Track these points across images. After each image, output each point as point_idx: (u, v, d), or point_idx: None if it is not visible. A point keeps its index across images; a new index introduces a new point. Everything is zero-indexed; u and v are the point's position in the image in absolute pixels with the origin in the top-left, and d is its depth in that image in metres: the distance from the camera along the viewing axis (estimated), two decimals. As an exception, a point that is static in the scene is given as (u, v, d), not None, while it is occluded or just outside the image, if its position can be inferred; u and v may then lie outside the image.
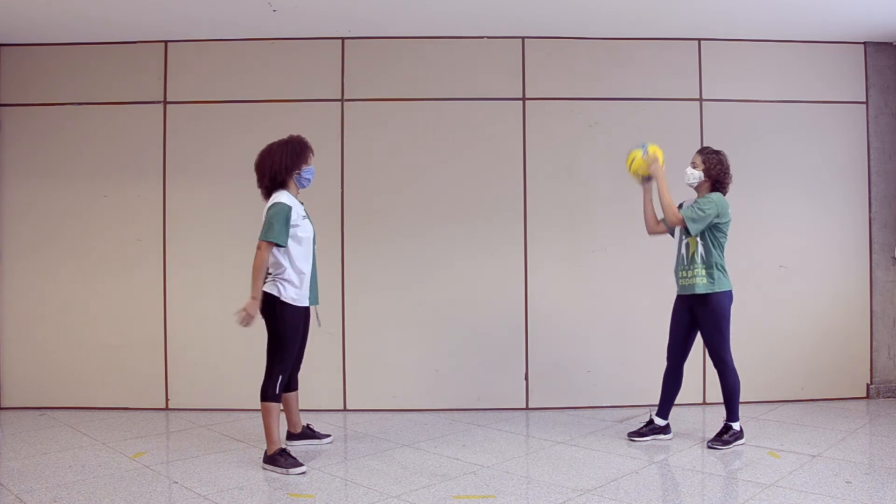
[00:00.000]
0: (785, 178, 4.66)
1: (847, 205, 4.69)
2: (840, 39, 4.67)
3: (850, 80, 4.71)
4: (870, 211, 4.70)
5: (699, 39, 4.66)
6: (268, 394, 3.31)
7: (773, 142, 4.66)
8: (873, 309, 4.68)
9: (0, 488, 3.02)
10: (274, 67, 4.60)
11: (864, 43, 4.71)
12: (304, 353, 3.62)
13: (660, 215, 3.76)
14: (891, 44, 4.73)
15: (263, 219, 3.32)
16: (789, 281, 4.63)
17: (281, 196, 3.32)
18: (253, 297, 3.28)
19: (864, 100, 4.71)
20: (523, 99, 4.62)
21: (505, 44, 4.63)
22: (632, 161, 3.67)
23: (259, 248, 3.28)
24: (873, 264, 4.69)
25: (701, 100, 4.65)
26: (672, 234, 3.83)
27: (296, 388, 3.67)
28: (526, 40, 4.63)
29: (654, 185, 3.73)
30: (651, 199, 3.79)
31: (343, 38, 4.60)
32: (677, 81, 4.64)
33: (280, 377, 3.33)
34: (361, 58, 4.60)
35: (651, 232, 3.85)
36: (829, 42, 4.69)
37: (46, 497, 2.91)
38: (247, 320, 3.27)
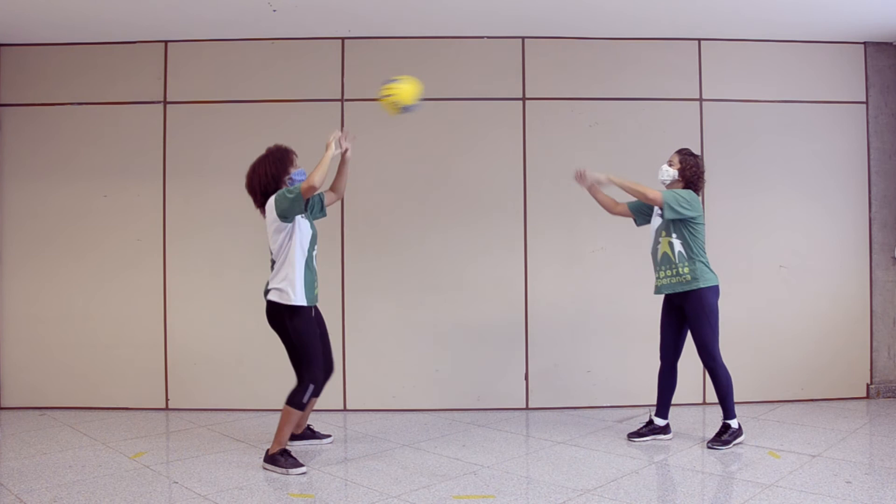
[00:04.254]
0: (785, 178, 4.66)
1: (847, 205, 4.69)
2: (840, 39, 4.67)
3: (850, 80, 4.71)
4: (870, 211, 4.70)
5: (699, 39, 4.66)
6: (295, 400, 3.30)
7: (773, 142, 4.66)
8: (873, 309, 4.68)
9: (0, 488, 3.02)
10: (274, 67, 4.60)
11: (864, 43, 4.71)
12: (332, 358, 3.61)
13: (620, 199, 3.85)
14: (891, 44, 4.73)
15: (273, 207, 3.27)
16: (789, 281, 4.63)
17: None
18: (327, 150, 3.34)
19: (864, 100, 4.71)
20: (523, 99, 4.62)
21: (505, 44, 4.63)
22: (394, 95, 3.31)
23: (306, 187, 3.19)
24: (873, 264, 4.69)
25: (701, 100, 4.65)
26: (636, 223, 3.88)
27: (317, 396, 3.62)
28: (526, 40, 4.63)
29: (591, 183, 3.77)
30: (597, 189, 3.82)
31: (343, 38, 4.61)
32: (677, 81, 4.64)
33: (312, 386, 3.31)
34: (361, 58, 4.61)
35: (613, 213, 3.90)
36: (829, 42, 4.69)
37: (46, 497, 2.91)
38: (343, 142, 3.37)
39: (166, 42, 4.60)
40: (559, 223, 4.59)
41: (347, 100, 4.59)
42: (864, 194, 4.70)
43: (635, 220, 3.90)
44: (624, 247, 4.55)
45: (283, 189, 3.29)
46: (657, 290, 3.72)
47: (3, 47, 4.61)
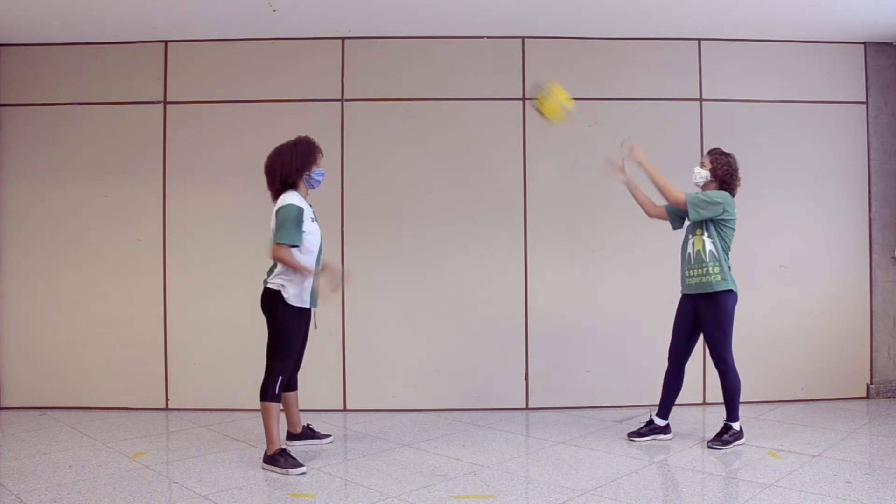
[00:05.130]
0: (785, 178, 4.66)
1: (847, 205, 4.69)
2: (840, 39, 4.67)
3: (850, 80, 4.71)
4: (870, 211, 4.70)
5: (699, 39, 4.66)
6: (267, 394, 3.31)
7: (773, 142, 4.66)
8: (873, 309, 4.68)
9: (0, 488, 3.02)
10: (274, 67, 4.60)
11: (864, 43, 4.71)
12: (303, 353, 3.62)
13: (659, 201, 3.81)
14: (891, 44, 4.73)
15: (274, 221, 3.30)
16: (789, 281, 4.63)
17: (291, 197, 3.31)
18: (323, 271, 3.45)
19: (864, 100, 4.71)
20: (523, 99, 4.61)
21: (505, 44, 4.63)
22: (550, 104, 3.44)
23: (277, 252, 3.25)
24: (873, 264, 4.69)
25: (701, 100, 4.65)
26: (673, 226, 3.84)
27: (295, 388, 3.67)
28: (526, 40, 4.63)
29: (630, 177, 3.80)
30: (636, 187, 3.83)
31: (343, 38, 4.60)
32: (677, 81, 4.64)
33: (280, 377, 3.33)
34: (361, 58, 4.61)
35: (651, 216, 3.88)
36: (829, 42, 4.69)
37: (46, 497, 2.90)
38: (336, 284, 3.51)
39: (166, 42, 4.60)
40: (559, 223, 4.59)
41: (347, 100, 4.59)
42: (864, 194, 4.70)
43: (671, 224, 3.86)
44: (624, 247, 4.56)
45: (291, 217, 3.25)
46: (686, 289, 3.70)
47: (3, 47, 4.60)
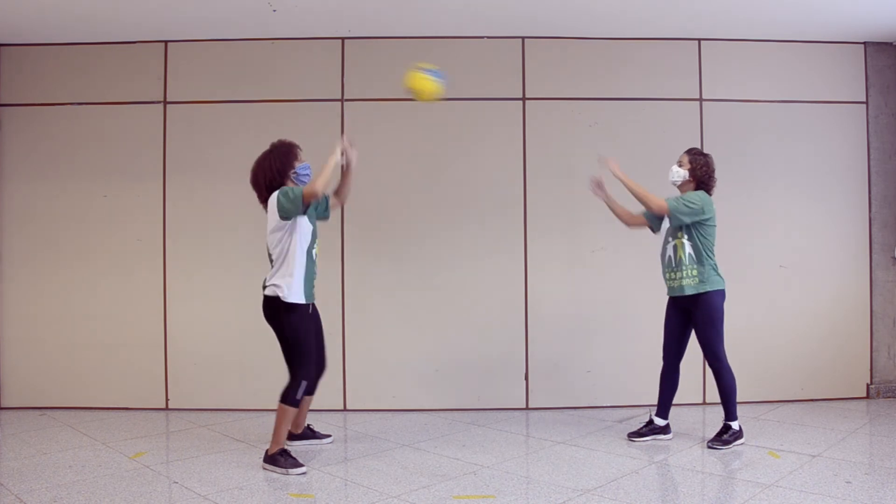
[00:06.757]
0: (785, 178, 4.66)
1: (847, 205, 4.69)
2: (840, 39, 4.67)
3: (850, 80, 4.71)
4: (870, 211, 4.70)
5: (699, 39, 4.66)
6: (288, 398, 3.30)
7: (773, 142, 4.66)
8: (873, 309, 4.68)
9: (0, 488, 3.02)
10: (274, 67, 4.60)
11: (864, 43, 4.71)
12: (325, 356, 3.61)
13: (635, 209, 3.82)
14: (891, 44, 4.73)
15: (274, 205, 3.26)
16: (789, 281, 4.63)
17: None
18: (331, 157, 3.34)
19: (864, 100, 4.71)
20: (523, 99, 4.62)
21: (505, 44, 4.63)
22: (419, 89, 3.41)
23: (308, 191, 3.20)
24: (873, 264, 4.69)
25: (701, 100, 4.65)
26: (653, 230, 3.84)
27: (312, 393, 3.64)
28: (526, 40, 4.63)
29: (609, 194, 3.80)
30: (614, 200, 3.84)
31: (343, 38, 4.61)
32: (677, 81, 4.64)
33: (304, 382, 3.32)
34: (361, 58, 4.61)
35: (630, 225, 3.90)
36: (829, 42, 4.69)
37: (46, 497, 2.91)
38: (348, 151, 3.43)
39: (166, 42, 4.60)
40: (559, 223, 4.59)
41: (347, 100, 4.59)
42: (864, 194, 4.70)
43: (651, 229, 3.87)
44: (624, 246, 4.55)
45: (287, 188, 3.28)
46: (670, 292, 3.71)
47: (3, 47, 4.60)
